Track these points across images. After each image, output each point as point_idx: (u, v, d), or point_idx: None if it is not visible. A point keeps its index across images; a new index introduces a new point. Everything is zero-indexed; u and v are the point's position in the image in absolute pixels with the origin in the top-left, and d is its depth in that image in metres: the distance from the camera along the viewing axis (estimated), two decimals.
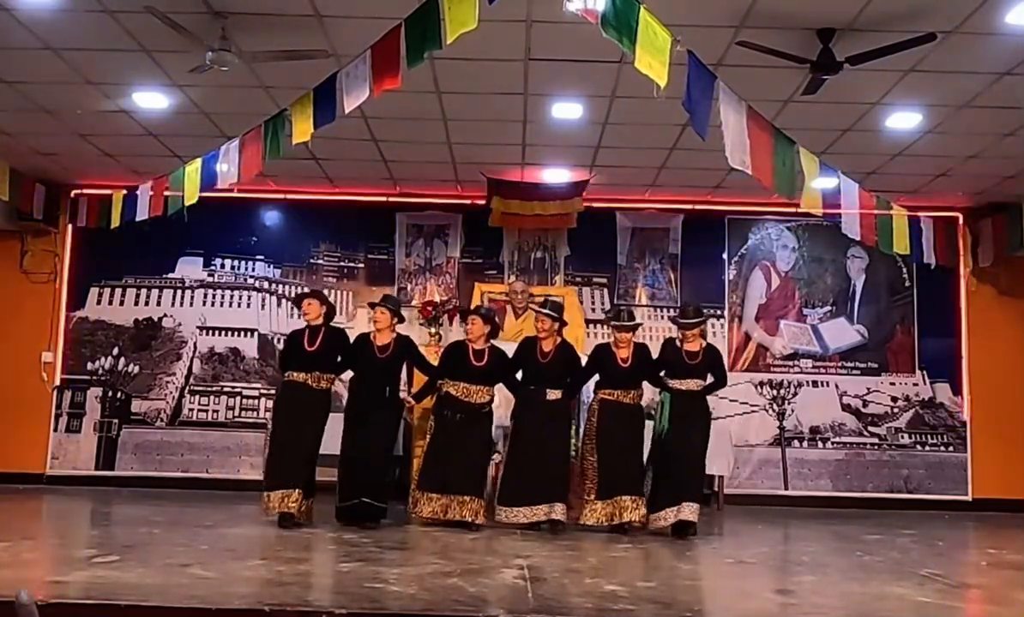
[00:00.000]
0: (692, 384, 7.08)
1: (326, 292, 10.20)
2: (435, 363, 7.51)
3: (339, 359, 7.10)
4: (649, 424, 7.29)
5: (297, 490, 6.65)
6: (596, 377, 7.29)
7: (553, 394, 7.11)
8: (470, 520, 6.86)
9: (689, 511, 6.79)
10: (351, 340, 7.25)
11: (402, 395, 7.53)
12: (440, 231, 10.50)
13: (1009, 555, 6.60)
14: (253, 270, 10.40)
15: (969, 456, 10.08)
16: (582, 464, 7.09)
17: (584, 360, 7.47)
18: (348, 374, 7.35)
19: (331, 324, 7.15)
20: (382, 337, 7.12)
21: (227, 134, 7.53)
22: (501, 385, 7.28)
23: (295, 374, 6.92)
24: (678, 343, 7.18)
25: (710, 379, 7.16)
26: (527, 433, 7.07)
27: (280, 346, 10.13)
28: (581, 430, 7.46)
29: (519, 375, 7.29)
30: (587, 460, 7.04)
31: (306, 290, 7.43)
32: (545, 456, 7.01)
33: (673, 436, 6.94)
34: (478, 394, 7.06)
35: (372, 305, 7.39)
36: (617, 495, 6.87)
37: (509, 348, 7.40)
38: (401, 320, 7.32)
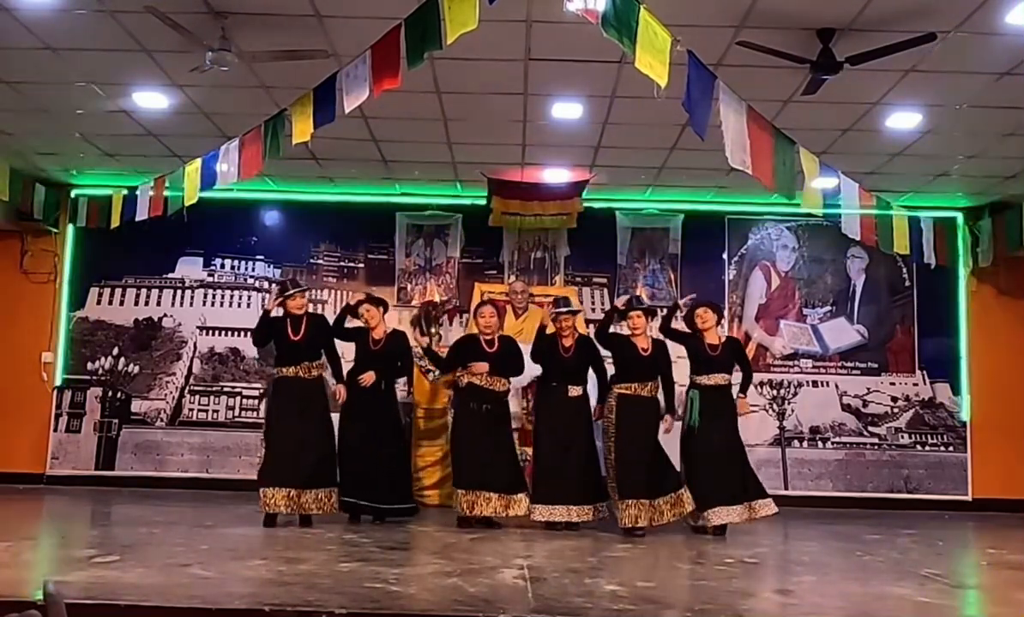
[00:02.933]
0: (719, 378, 7.06)
1: (326, 292, 10.37)
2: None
3: (325, 344, 7.17)
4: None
5: (310, 490, 6.70)
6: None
7: (575, 390, 7.12)
8: (520, 514, 6.94)
9: (763, 508, 6.93)
10: (331, 323, 7.44)
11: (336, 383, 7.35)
12: (440, 231, 10.50)
13: (1009, 555, 6.60)
14: (253, 270, 10.40)
15: (969, 456, 10.08)
16: (605, 463, 6.98)
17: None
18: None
19: (310, 311, 7.31)
20: (377, 331, 7.31)
21: (227, 134, 7.54)
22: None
23: (285, 369, 6.96)
24: (698, 335, 7.18)
25: (737, 375, 7.18)
26: (554, 431, 7.06)
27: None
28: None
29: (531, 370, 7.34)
30: (607, 460, 6.94)
31: (289, 285, 7.43)
32: (574, 453, 7.01)
33: (703, 434, 6.94)
34: (500, 383, 7.08)
35: (351, 310, 7.45)
36: (641, 497, 6.68)
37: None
38: (386, 308, 7.57)
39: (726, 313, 10.30)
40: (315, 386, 6.99)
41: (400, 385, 9.86)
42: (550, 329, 7.16)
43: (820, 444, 10.18)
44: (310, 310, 7.42)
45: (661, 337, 7.20)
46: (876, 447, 10.16)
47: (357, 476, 6.99)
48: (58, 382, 10.20)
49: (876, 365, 10.29)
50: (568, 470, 6.95)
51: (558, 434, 7.03)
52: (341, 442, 7.10)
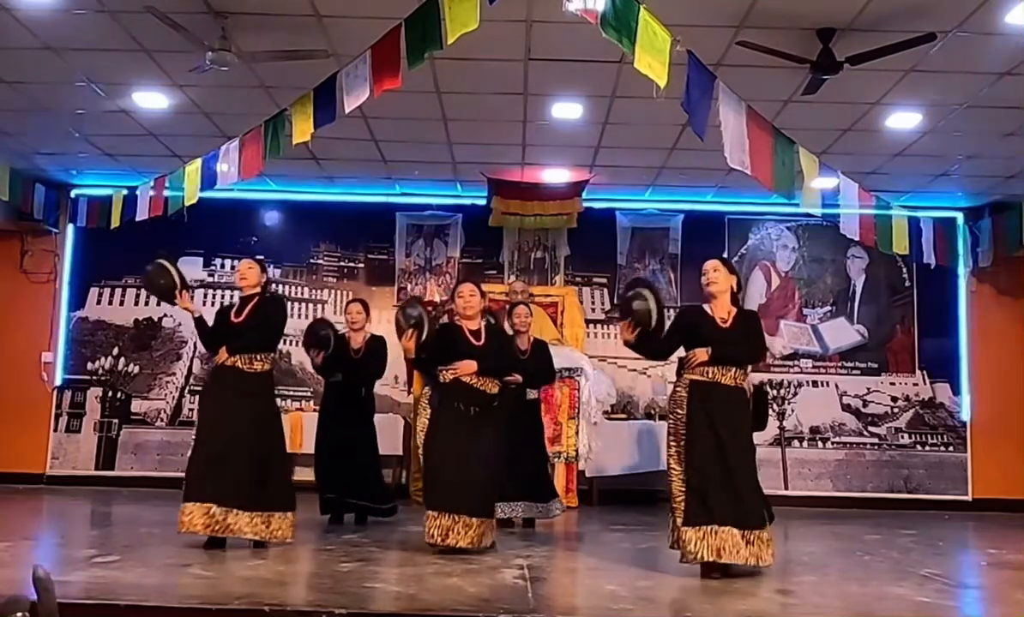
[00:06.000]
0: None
1: (326, 292, 10.36)
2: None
3: (273, 332, 5.82)
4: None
5: (245, 512, 5.38)
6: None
7: (531, 394, 7.05)
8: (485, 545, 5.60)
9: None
10: (287, 309, 6.34)
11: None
12: (440, 231, 10.50)
13: (1009, 555, 6.60)
14: None
15: (969, 456, 10.09)
16: (668, 476, 5.03)
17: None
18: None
19: (267, 294, 5.93)
20: (356, 338, 7.09)
21: (227, 134, 7.54)
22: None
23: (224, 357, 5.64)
24: None
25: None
26: (510, 433, 6.44)
27: (280, 346, 10.20)
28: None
29: None
30: (672, 471, 4.97)
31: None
32: (531, 453, 6.95)
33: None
34: (491, 382, 5.73)
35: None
36: (720, 523, 4.82)
37: None
38: (369, 313, 7.30)
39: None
40: (258, 381, 5.65)
41: (400, 385, 9.92)
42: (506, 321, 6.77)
43: (820, 444, 10.18)
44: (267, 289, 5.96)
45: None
46: (876, 447, 10.16)
47: (335, 478, 6.90)
48: (58, 382, 10.20)
49: (876, 365, 10.29)
50: (524, 470, 6.80)
51: (514, 436, 6.39)
52: (318, 446, 7.03)
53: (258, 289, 5.84)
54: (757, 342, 5.16)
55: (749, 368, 5.14)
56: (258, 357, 5.64)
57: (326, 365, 7.01)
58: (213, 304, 10.33)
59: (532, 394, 7.06)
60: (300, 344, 7.56)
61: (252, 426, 5.51)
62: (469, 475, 5.49)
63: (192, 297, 6.02)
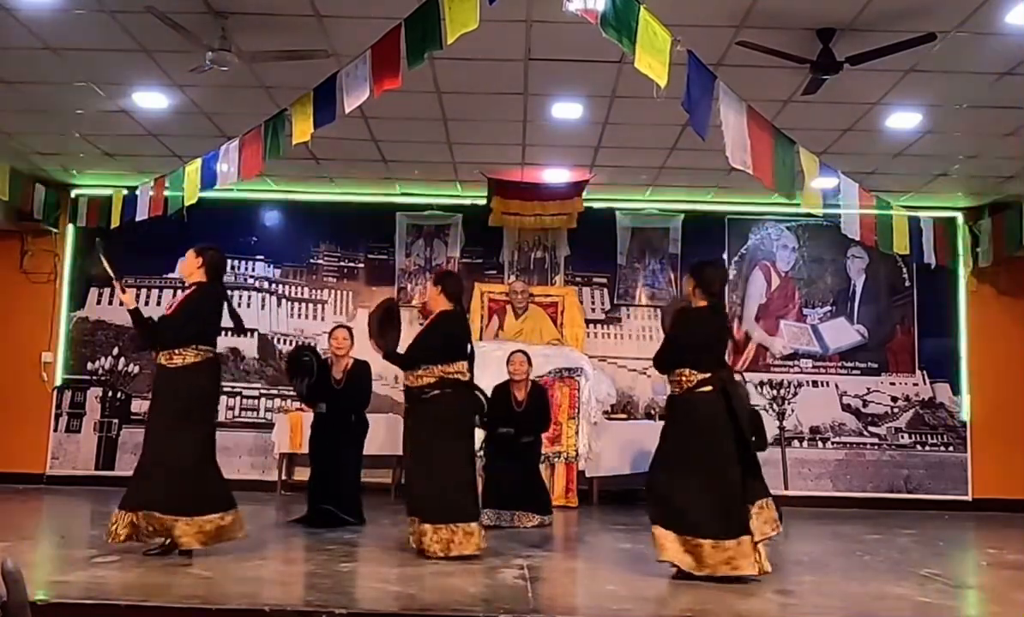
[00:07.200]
0: None
1: (326, 292, 10.35)
2: None
3: (210, 323, 5.36)
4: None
5: (172, 516, 5.26)
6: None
7: (527, 439, 7.30)
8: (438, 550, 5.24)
9: None
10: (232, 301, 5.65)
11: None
12: (440, 231, 10.50)
13: (1009, 555, 6.60)
14: (253, 270, 10.39)
15: (969, 456, 10.08)
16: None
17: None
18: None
19: (216, 285, 5.50)
20: (338, 365, 7.03)
21: (227, 134, 7.54)
22: None
23: (158, 355, 5.33)
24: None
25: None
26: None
27: (280, 346, 10.21)
28: None
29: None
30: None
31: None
32: (523, 467, 7.29)
33: None
34: (410, 376, 5.53)
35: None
36: (692, 534, 4.80)
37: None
38: (353, 338, 7.14)
39: (727, 313, 10.32)
40: (184, 376, 5.23)
41: (400, 385, 9.88)
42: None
43: (820, 444, 10.18)
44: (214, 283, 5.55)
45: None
46: (876, 447, 10.16)
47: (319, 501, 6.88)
48: (58, 382, 10.20)
49: (876, 365, 10.29)
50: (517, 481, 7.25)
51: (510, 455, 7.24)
52: (311, 473, 7.08)
53: (203, 278, 5.46)
54: (663, 343, 5.13)
55: (694, 370, 4.91)
56: (181, 350, 5.22)
57: (310, 394, 6.98)
58: None
59: (527, 439, 7.31)
60: (284, 372, 7.62)
61: (191, 423, 5.33)
62: (412, 478, 5.55)
63: (124, 289, 5.53)
